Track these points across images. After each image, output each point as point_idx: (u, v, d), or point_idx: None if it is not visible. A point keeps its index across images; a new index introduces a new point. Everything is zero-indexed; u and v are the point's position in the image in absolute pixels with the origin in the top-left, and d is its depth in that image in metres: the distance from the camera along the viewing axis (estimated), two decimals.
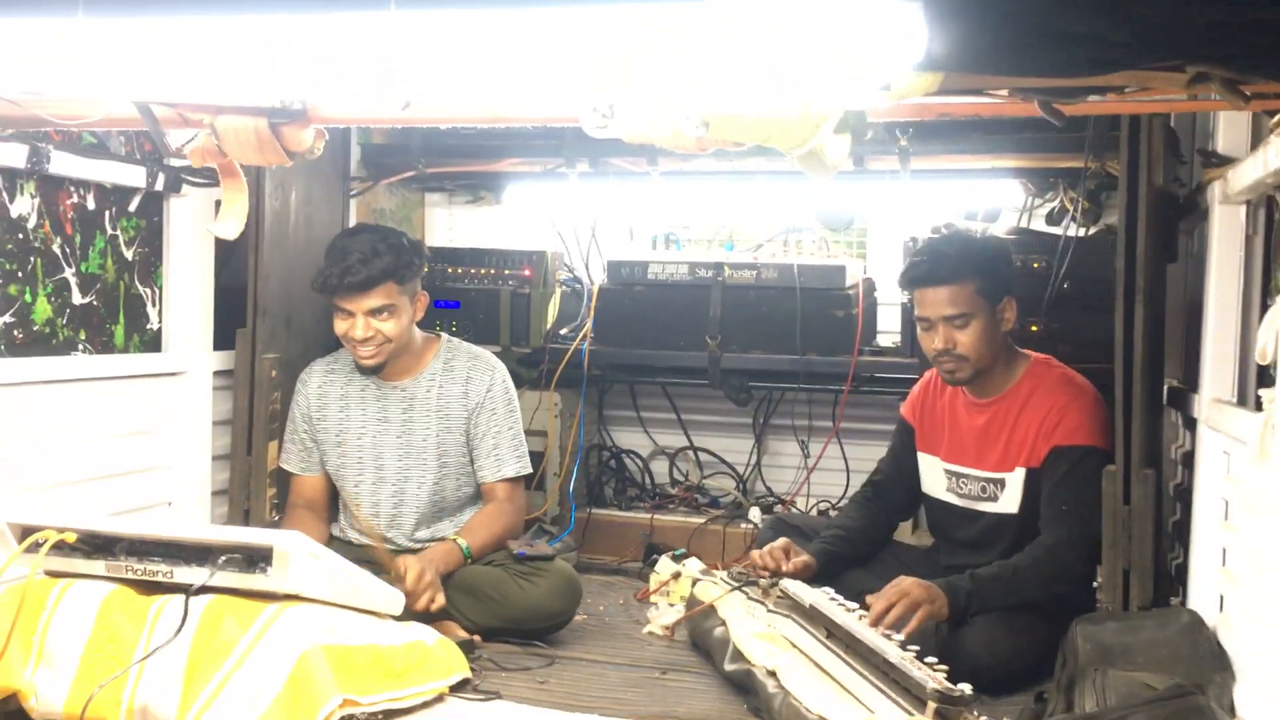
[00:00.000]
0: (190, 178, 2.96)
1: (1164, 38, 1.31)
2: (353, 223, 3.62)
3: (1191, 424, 2.69)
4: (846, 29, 1.42)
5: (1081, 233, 3.39)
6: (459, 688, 2.40)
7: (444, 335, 3.15)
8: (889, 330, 3.71)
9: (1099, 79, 1.40)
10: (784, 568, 2.81)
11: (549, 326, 3.79)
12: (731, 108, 1.47)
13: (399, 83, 1.90)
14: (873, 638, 2.30)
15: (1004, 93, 1.56)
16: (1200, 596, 2.42)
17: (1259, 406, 2.18)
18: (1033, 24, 1.32)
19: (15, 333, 2.63)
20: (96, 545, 2.13)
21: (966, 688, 2.02)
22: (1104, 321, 3.12)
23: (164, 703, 1.94)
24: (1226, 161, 2.38)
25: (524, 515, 3.12)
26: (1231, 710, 2.05)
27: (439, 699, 2.34)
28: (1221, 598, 2.29)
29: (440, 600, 2.71)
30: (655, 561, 3.33)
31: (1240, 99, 1.38)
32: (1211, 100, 1.56)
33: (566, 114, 1.77)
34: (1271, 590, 1.87)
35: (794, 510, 3.81)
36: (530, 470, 3.12)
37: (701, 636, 2.73)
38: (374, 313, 2.89)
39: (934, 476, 3.00)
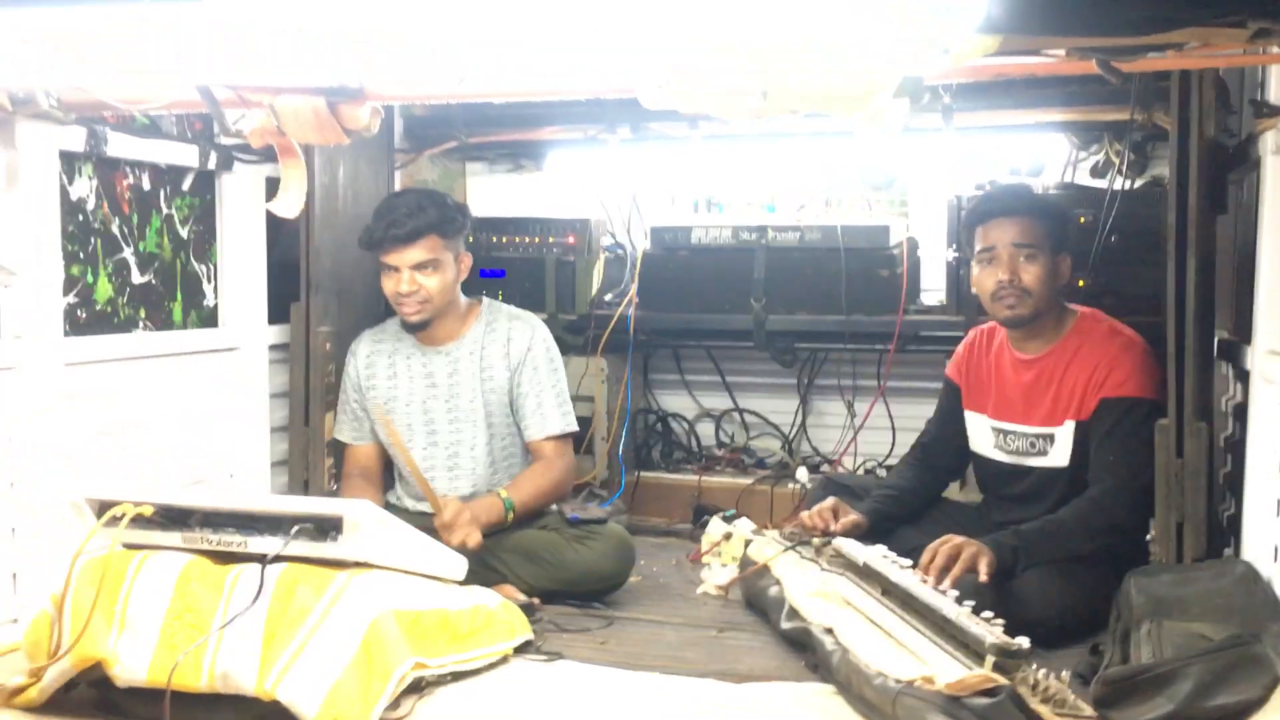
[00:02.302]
0: (241, 155, 3.01)
1: None
2: None
3: (1243, 376, 2.68)
4: None
5: (1127, 185, 3.36)
6: (522, 649, 2.46)
7: (485, 299, 3.16)
8: (933, 289, 3.71)
9: (1159, 36, 1.40)
10: (833, 527, 2.84)
11: (594, 293, 3.82)
12: (790, 77, 1.49)
13: (452, 58, 1.93)
14: (929, 594, 2.32)
15: (1061, 52, 1.57)
16: (1254, 547, 2.42)
17: None
18: None
19: (79, 312, 2.69)
20: (172, 518, 2.19)
21: (1025, 641, 2.04)
22: (1149, 274, 3.12)
23: (244, 669, 2.01)
24: (1278, 112, 2.36)
25: (573, 473, 3.12)
26: None
27: (504, 660, 2.40)
28: (1276, 548, 2.29)
29: (476, 538, 2.71)
30: (706, 523, 3.37)
31: None
32: (1272, 54, 1.56)
33: (622, 86, 1.79)
34: None
35: (841, 470, 3.84)
36: (576, 428, 3.11)
37: (756, 596, 2.77)
38: (418, 267, 2.92)
39: (981, 434, 3.02)
